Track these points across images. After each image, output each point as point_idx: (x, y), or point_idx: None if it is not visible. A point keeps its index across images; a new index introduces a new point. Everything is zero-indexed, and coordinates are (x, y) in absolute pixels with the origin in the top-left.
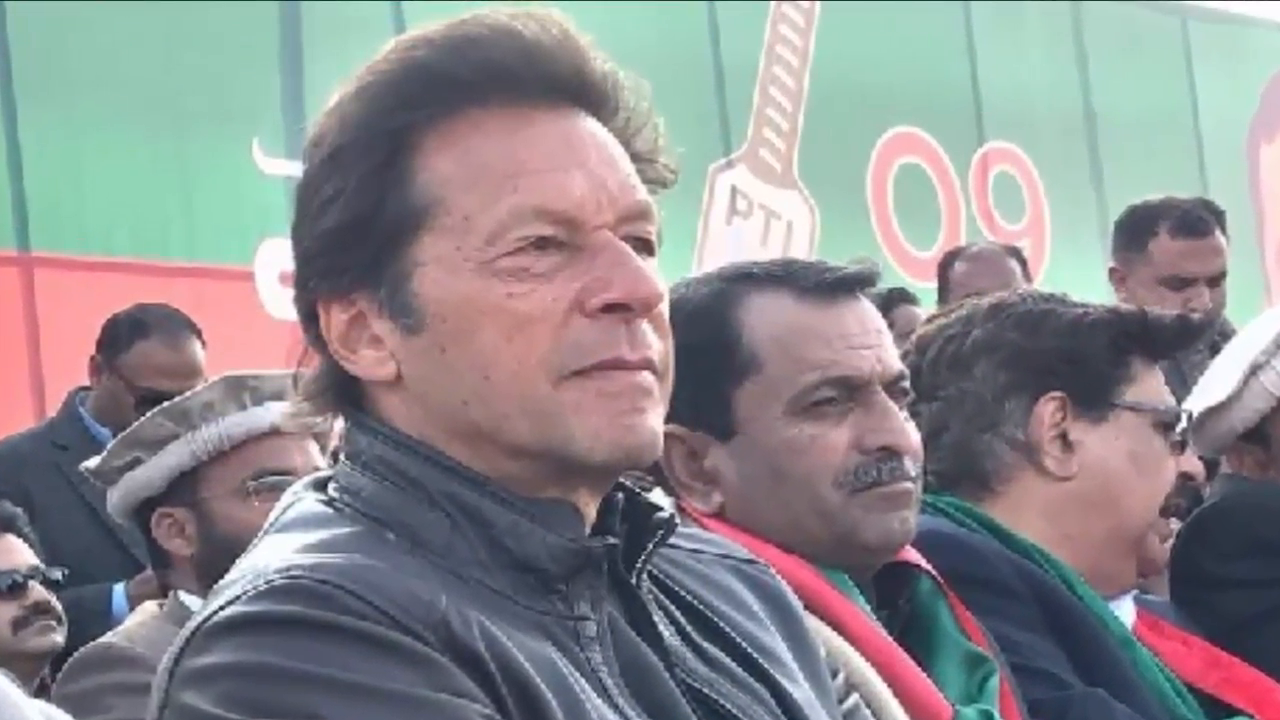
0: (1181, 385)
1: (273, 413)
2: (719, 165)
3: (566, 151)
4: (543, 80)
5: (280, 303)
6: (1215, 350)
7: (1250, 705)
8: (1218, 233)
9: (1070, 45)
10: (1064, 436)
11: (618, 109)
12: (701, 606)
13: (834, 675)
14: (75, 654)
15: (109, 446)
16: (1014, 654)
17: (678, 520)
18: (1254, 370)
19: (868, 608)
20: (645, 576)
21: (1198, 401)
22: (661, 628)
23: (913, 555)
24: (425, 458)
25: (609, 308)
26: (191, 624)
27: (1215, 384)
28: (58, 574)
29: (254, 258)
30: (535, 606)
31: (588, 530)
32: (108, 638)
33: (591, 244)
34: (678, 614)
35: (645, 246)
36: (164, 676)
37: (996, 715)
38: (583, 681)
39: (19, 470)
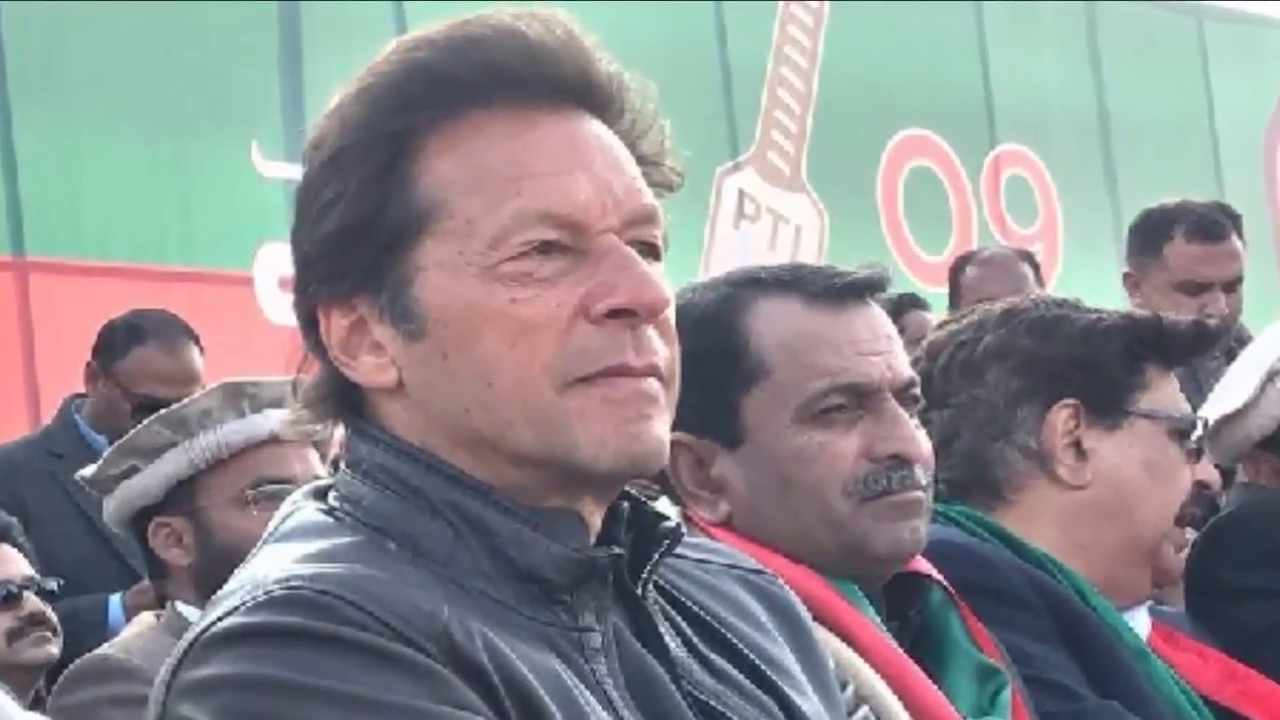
0: (1197, 392)
1: (272, 420)
2: (726, 168)
3: (571, 154)
4: (547, 82)
5: (279, 308)
6: (1231, 356)
7: (1267, 719)
8: (1234, 237)
9: (1084, 46)
10: (1077, 444)
11: (623, 111)
12: (708, 617)
13: (843, 687)
14: (71, 666)
15: (105, 454)
16: (1026, 666)
17: (684, 530)
18: (1271, 377)
19: (877, 619)
20: (651, 587)
21: (1214, 409)
22: (667, 639)
23: (923, 565)
24: (427, 466)
25: (614, 313)
26: (189, 635)
27: (1231, 391)
28: (53, 584)
29: (253, 262)
30: (539, 617)
31: (592, 540)
32: (104, 649)
33: (596, 248)
34: (684, 625)
35: (651, 251)
36: (161, 689)
37: None
38: (587, 694)
39: (13, 479)
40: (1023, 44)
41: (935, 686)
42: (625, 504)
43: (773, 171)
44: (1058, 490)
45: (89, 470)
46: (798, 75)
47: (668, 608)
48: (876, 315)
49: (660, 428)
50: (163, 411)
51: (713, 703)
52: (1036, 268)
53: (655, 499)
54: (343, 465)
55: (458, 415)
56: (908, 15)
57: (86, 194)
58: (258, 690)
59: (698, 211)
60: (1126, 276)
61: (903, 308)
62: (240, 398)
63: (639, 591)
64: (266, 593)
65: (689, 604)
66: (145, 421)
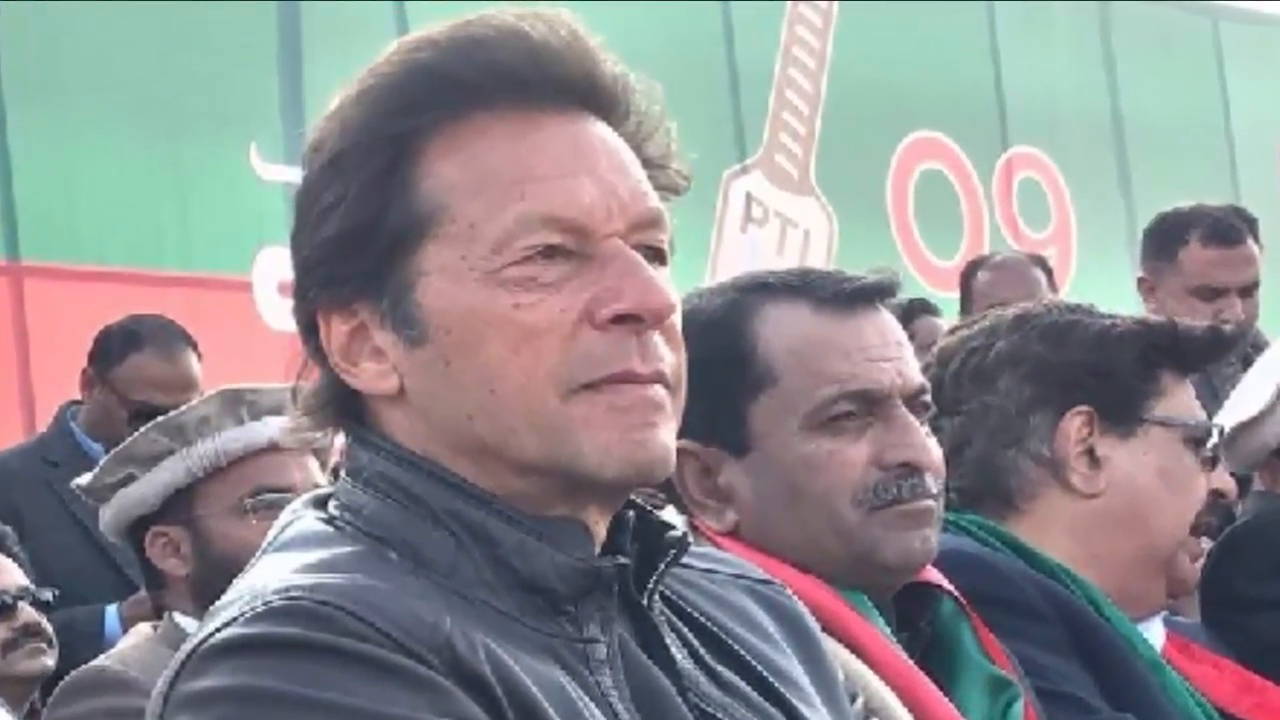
0: (1213, 399)
1: (271, 428)
2: (733, 171)
3: (575, 157)
4: (551, 83)
5: (279, 313)
6: (1247, 363)
7: None
8: (1250, 241)
9: (1098, 47)
10: (1091, 452)
11: (628, 113)
12: (715, 628)
13: (852, 700)
14: (66, 678)
15: (101, 463)
16: (1039, 678)
17: (690, 539)
18: None
19: (887, 630)
20: (657, 597)
21: (1229, 416)
22: (674, 650)
23: (934, 575)
24: (429, 474)
25: (619, 319)
26: (187, 646)
27: (1248, 398)
28: (48, 595)
29: (252, 267)
30: (543, 628)
31: (597, 549)
32: (100, 661)
33: (601, 253)
34: (690, 636)
35: (657, 255)
36: (158, 701)
37: None
38: (592, 706)
39: (8, 487)
40: (1035, 45)
41: (946, 699)
42: (631, 513)
43: (781, 174)
44: (1071, 499)
45: (85, 479)
46: (806, 76)
47: (674, 619)
48: (886, 321)
49: (666, 435)
50: (160, 419)
51: (720, 715)
52: (1049, 272)
53: (661, 508)
54: (343, 473)
55: (460, 423)
56: (918, 15)
57: (82, 197)
58: (257, 702)
59: (704, 215)
60: (1141, 281)
61: (913, 313)
62: (239, 405)
63: (645, 602)
64: (265, 603)
65: (695, 615)
66: (142, 429)
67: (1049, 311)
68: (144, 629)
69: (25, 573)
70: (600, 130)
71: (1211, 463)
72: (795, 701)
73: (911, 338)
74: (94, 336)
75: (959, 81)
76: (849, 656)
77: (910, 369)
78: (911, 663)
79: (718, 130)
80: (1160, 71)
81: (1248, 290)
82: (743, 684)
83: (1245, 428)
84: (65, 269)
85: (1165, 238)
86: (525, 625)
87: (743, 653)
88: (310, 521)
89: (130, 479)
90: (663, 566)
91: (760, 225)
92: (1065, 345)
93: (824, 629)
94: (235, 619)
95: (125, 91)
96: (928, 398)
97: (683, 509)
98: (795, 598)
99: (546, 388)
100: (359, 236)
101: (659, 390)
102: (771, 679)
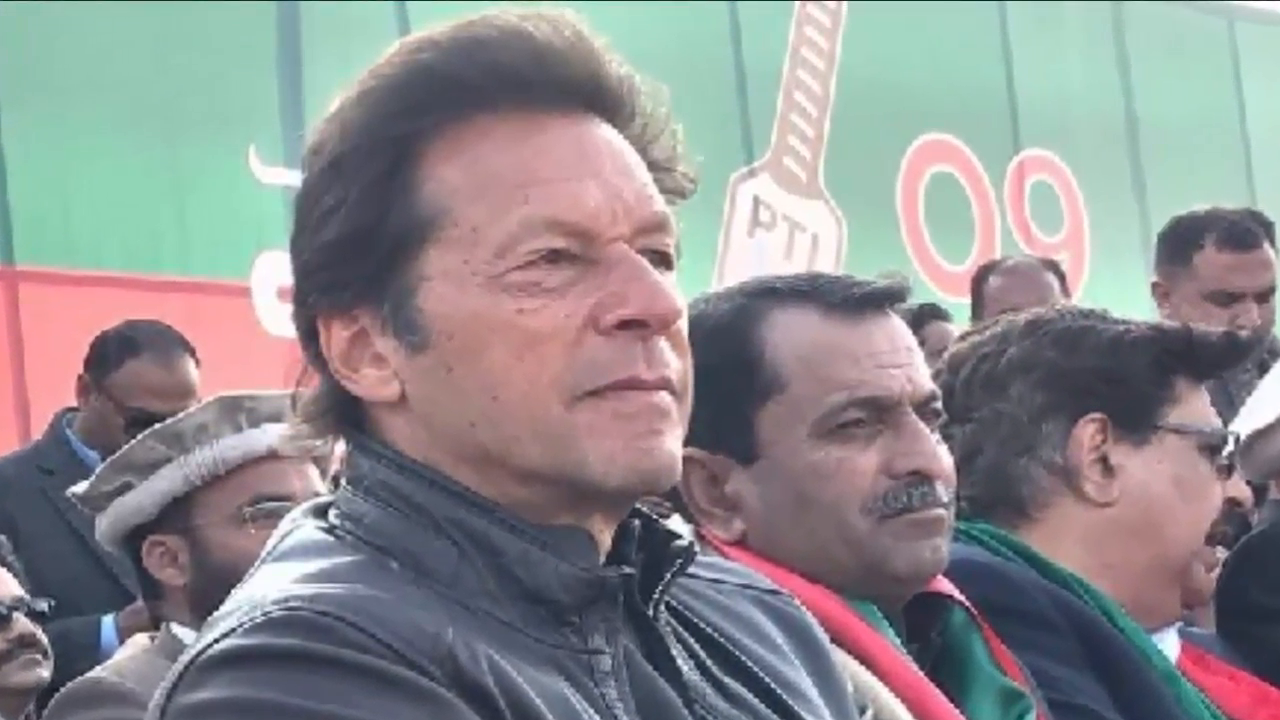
0: (1228, 406)
1: (270, 435)
2: (741, 174)
3: (580, 160)
4: (555, 85)
5: (278, 319)
6: (1264, 369)
7: None
8: (1266, 245)
9: (1111, 47)
10: (1104, 460)
11: (634, 115)
12: (722, 639)
13: (862, 712)
14: (62, 689)
15: (97, 471)
16: (1052, 690)
17: (697, 548)
18: None
19: (897, 640)
20: (663, 608)
21: (1245, 423)
22: (680, 662)
23: (945, 585)
24: (431, 482)
25: (625, 324)
26: (185, 658)
27: (1264, 405)
28: (43, 605)
29: (250, 272)
30: (547, 639)
31: (602, 559)
32: (96, 672)
33: (606, 257)
34: (697, 647)
35: (663, 260)
36: (155, 713)
37: None
38: (597, 719)
39: (3, 496)
40: (1048, 45)
41: (957, 711)
42: (636, 522)
43: (789, 177)
44: (1084, 508)
45: (81, 487)
46: (815, 78)
47: (680, 629)
48: (896, 326)
49: (672, 443)
50: (157, 426)
51: None
52: (1062, 277)
53: (667, 517)
54: (343, 482)
55: (462, 430)
56: (928, 16)
57: (78, 201)
58: (256, 715)
59: (711, 219)
60: (1155, 286)
61: (923, 319)
62: (237, 412)
63: (650, 612)
64: (265, 614)
65: (702, 625)
66: (139, 436)
67: (1062, 317)
68: (141, 640)
69: (20, 583)
70: (605, 132)
71: (1227, 471)
72: (803, 714)
73: (922, 344)
74: (90, 342)
75: (970, 83)
76: (858, 668)
77: (920, 375)
78: (922, 674)
79: (725, 132)
80: (1175, 73)
81: (1264, 295)
82: (750, 696)
83: (1261, 435)
84: (61, 273)
85: (1180, 242)
86: (528, 636)
87: (750, 664)
88: (310, 530)
89: (127, 487)
90: (669, 576)
91: (768, 229)
92: (1078, 351)
93: (833, 640)
94: (234, 630)
95: (122, 93)
96: (938, 405)
97: (689, 518)
98: (803, 608)
99: (550, 395)
100: (360, 241)
101: (665, 397)
102: (779, 691)
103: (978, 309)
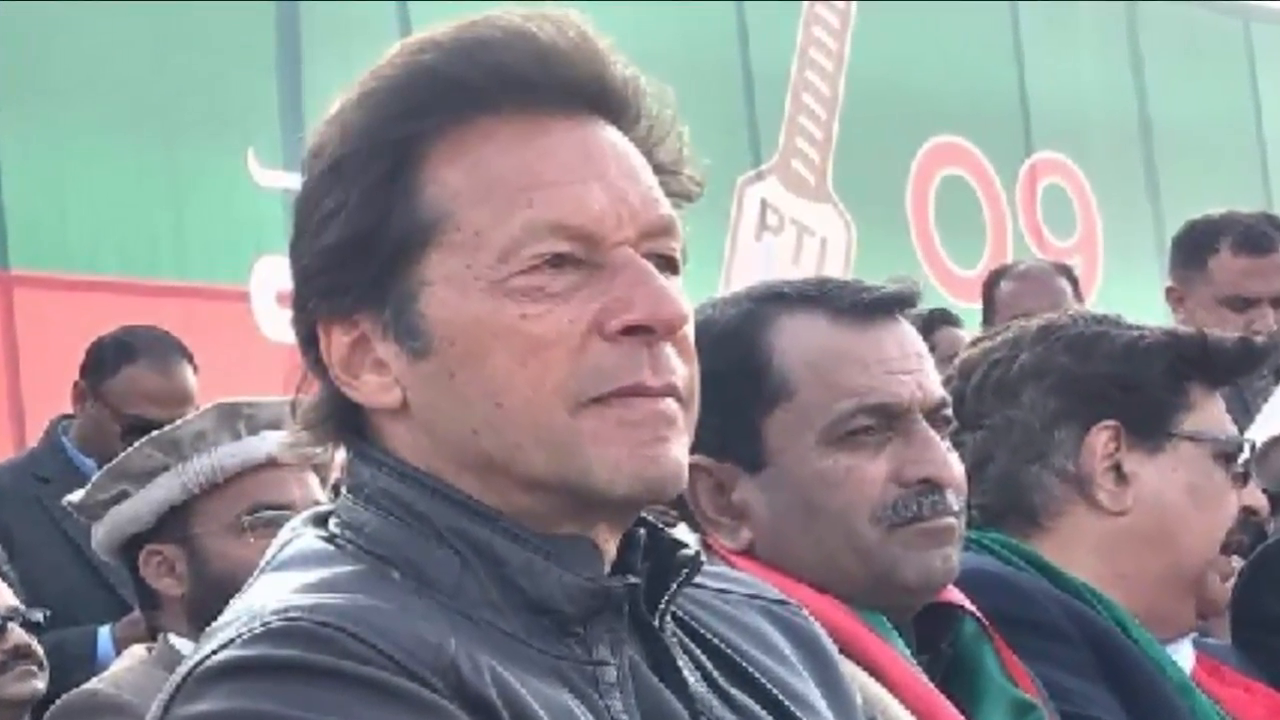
0: (1244, 413)
1: (269, 443)
2: (748, 177)
3: (584, 163)
4: (559, 86)
5: (277, 324)
6: None
7: None
8: None
9: (1125, 48)
10: (1118, 468)
11: (639, 117)
12: (729, 650)
13: None
14: (58, 702)
15: (94, 479)
16: (1064, 702)
17: (703, 558)
18: None
19: (907, 651)
20: (669, 618)
21: (1261, 430)
22: (686, 673)
23: (955, 595)
24: (433, 491)
25: (630, 330)
26: (182, 669)
27: None
28: (39, 616)
29: (249, 276)
30: (551, 650)
31: (607, 569)
32: (93, 684)
33: (611, 262)
34: (703, 658)
35: (669, 264)
36: None
37: None
38: None
39: None
40: (1060, 46)
41: None
42: (641, 531)
43: (797, 180)
44: (1097, 516)
45: (77, 495)
46: (823, 79)
47: (686, 640)
48: (906, 332)
49: (678, 450)
50: (154, 433)
51: None
52: (1075, 282)
53: (673, 525)
54: (344, 490)
55: (465, 437)
56: (939, 16)
57: (74, 204)
58: None
59: (718, 223)
60: (1169, 291)
61: (934, 324)
62: (236, 419)
63: (656, 623)
64: (264, 624)
65: (709, 636)
66: (136, 444)
67: (1074, 323)
68: (138, 651)
69: (15, 593)
70: (610, 135)
71: (1243, 479)
72: None
73: (932, 349)
74: (86, 348)
75: (981, 84)
76: (867, 679)
77: (931, 382)
78: (932, 686)
79: (732, 135)
80: (1190, 74)
81: None
82: (757, 708)
83: (1278, 442)
84: (56, 278)
85: (1195, 246)
86: (532, 647)
87: (757, 675)
88: (310, 540)
89: (124, 496)
90: (675, 586)
91: (776, 233)
92: (1091, 357)
93: (842, 651)
94: (232, 640)
95: (118, 94)
96: (949, 412)
97: (695, 527)
98: (812, 619)
99: (554, 401)
100: (360, 245)
101: (671, 404)
102: (787, 702)
103: (989, 314)
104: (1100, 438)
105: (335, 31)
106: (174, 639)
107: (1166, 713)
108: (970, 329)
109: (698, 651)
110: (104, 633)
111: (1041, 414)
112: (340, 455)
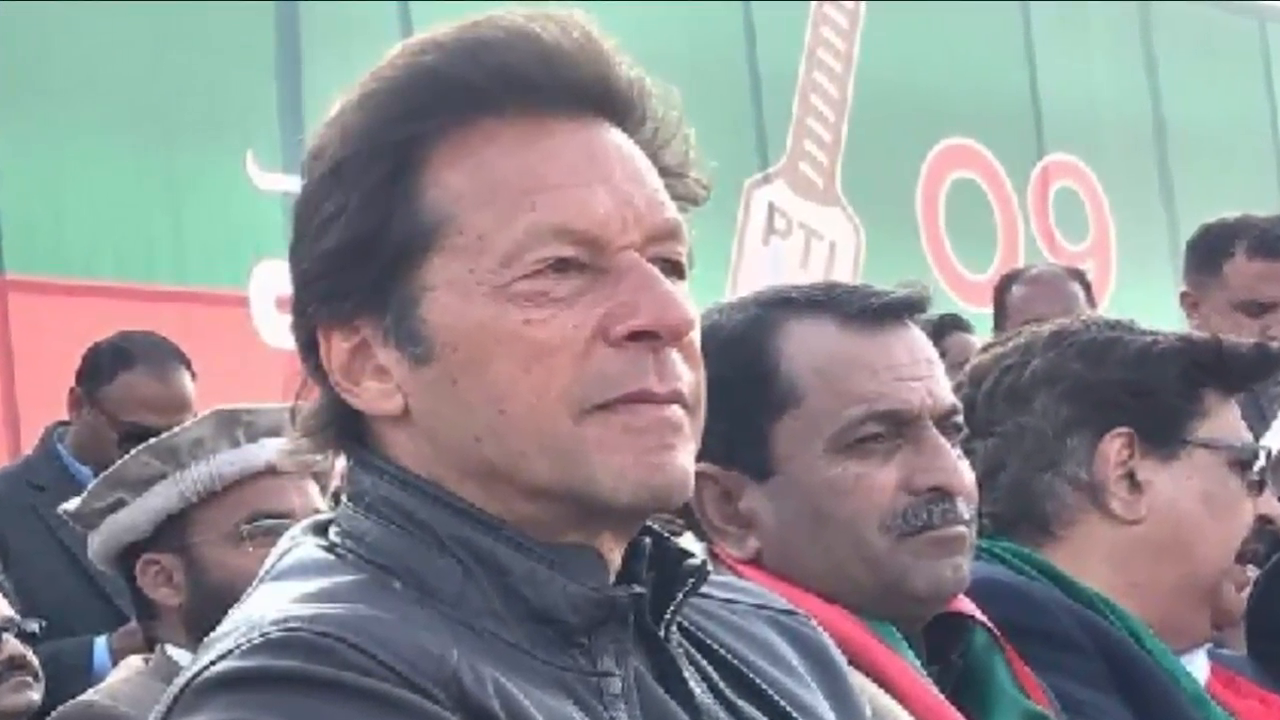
0: (1260, 420)
1: (268, 450)
2: (755, 180)
3: (589, 165)
4: (563, 88)
5: (277, 330)
6: None
7: None
8: None
9: (1138, 49)
10: (1131, 476)
11: (645, 119)
12: (736, 661)
13: None
14: (54, 713)
15: (90, 487)
16: (1077, 713)
17: (710, 567)
18: None
19: (917, 662)
20: (675, 628)
21: (1277, 438)
22: (692, 684)
23: (966, 605)
24: (435, 499)
25: (635, 335)
26: (180, 680)
27: None
28: (34, 626)
29: (248, 281)
30: (554, 661)
31: (612, 578)
32: (88, 695)
33: (616, 266)
34: (710, 669)
35: (675, 269)
36: None
37: None
38: None
39: None
40: (1072, 47)
41: None
42: (647, 540)
43: (805, 183)
44: (1110, 525)
45: (73, 504)
46: (832, 80)
47: (692, 651)
48: (916, 338)
49: (684, 458)
50: (152, 441)
51: None
52: (1088, 287)
53: (679, 534)
54: (344, 498)
55: (467, 444)
56: (949, 16)
57: (70, 207)
58: None
59: (725, 226)
60: (1184, 296)
61: (944, 329)
62: (235, 426)
63: (662, 633)
64: (263, 635)
65: (715, 647)
66: (133, 451)
67: (1087, 328)
68: (134, 662)
69: (10, 603)
70: (615, 137)
71: (1258, 487)
72: None
73: (942, 355)
74: (82, 354)
75: (992, 86)
76: (877, 691)
77: (941, 388)
78: (943, 697)
79: (739, 137)
80: (1204, 75)
81: None
82: (764, 719)
83: None
84: (52, 283)
85: (1209, 250)
86: (536, 658)
87: (764, 687)
88: (310, 549)
89: (120, 504)
90: (681, 596)
91: (783, 237)
92: (1104, 363)
93: (850, 662)
94: (231, 651)
95: (115, 95)
96: (959, 419)
97: (702, 535)
98: (820, 629)
99: (558, 408)
100: (361, 249)
101: (677, 411)
102: (795, 714)
103: (1000, 320)
104: (1113, 445)
105: (335, 32)
106: (171, 650)
107: None
108: (981, 334)
109: (704, 662)
110: (100, 643)
111: (1054, 421)
112: (341, 463)
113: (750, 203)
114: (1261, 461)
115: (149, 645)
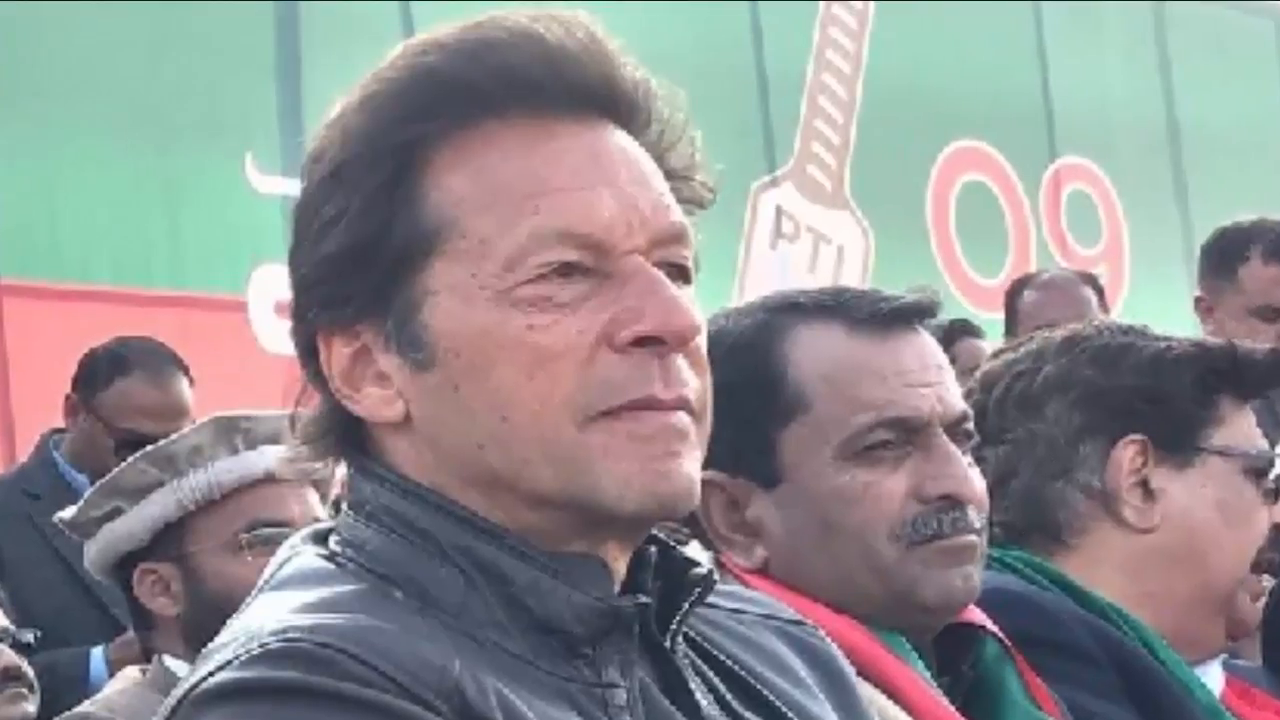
0: (1275, 427)
1: (267, 458)
2: (762, 183)
3: (593, 168)
4: (567, 89)
5: (276, 335)
6: None
7: None
8: None
9: (1152, 50)
10: (1145, 484)
11: (650, 121)
12: (743, 672)
13: None
14: None
15: (86, 495)
16: None
17: (716, 577)
18: None
19: (927, 673)
20: (681, 639)
21: None
22: (699, 696)
23: (977, 615)
24: (436, 507)
25: (640, 341)
26: (178, 691)
27: None
28: (29, 636)
29: (247, 285)
30: (558, 672)
31: (617, 588)
32: (85, 707)
33: (621, 270)
34: (716, 680)
35: (680, 273)
36: None
37: None
38: None
39: None
40: (1085, 47)
41: None
42: (653, 549)
43: (813, 187)
44: (1123, 534)
45: (69, 512)
46: (840, 82)
47: (699, 661)
48: (926, 343)
49: (690, 466)
50: (149, 448)
51: None
52: (1100, 291)
53: (685, 543)
54: (345, 507)
55: (470, 452)
56: (960, 16)
57: (66, 210)
58: None
59: (731, 230)
60: (1198, 301)
61: (954, 335)
62: (233, 433)
63: (668, 644)
64: (262, 645)
65: (722, 657)
66: (130, 459)
67: (1100, 333)
68: (131, 673)
69: (5, 613)
70: (620, 139)
71: (1274, 495)
72: None
73: (953, 361)
74: (78, 360)
75: (1003, 87)
76: (886, 702)
77: (951, 395)
78: (953, 709)
79: (746, 139)
80: (1219, 76)
81: None
82: None
83: None
84: (47, 287)
85: (1224, 254)
86: (539, 669)
87: (772, 698)
88: (309, 558)
89: (117, 512)
90: (687, 606)
91: (791, 241)
92: (1117, 370)
93: (859, 672)
94: (229, 662)
95: (112, 97)
96: (970, 426)
97: (708, 544)
98: (828, 639)
99: (562, 415)
100: (362, 253)
101: (682, 417)
102: None
103: (1012, 325)
104: (1127, 452)
105: (336, 33)
106: (169, 660)
107: None
108: (992, 340)
109: (710, 673)
110: (97, 654)
111: (1066, 428)
112: (341, 470)
113: (757, 206)
114: (1277, 469)
115: (146, 656)
